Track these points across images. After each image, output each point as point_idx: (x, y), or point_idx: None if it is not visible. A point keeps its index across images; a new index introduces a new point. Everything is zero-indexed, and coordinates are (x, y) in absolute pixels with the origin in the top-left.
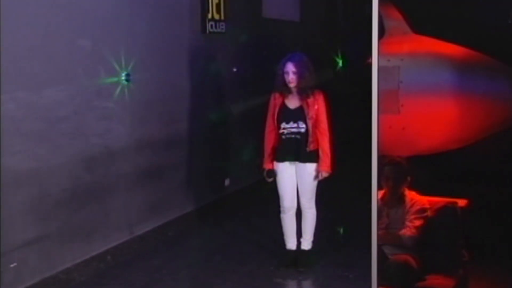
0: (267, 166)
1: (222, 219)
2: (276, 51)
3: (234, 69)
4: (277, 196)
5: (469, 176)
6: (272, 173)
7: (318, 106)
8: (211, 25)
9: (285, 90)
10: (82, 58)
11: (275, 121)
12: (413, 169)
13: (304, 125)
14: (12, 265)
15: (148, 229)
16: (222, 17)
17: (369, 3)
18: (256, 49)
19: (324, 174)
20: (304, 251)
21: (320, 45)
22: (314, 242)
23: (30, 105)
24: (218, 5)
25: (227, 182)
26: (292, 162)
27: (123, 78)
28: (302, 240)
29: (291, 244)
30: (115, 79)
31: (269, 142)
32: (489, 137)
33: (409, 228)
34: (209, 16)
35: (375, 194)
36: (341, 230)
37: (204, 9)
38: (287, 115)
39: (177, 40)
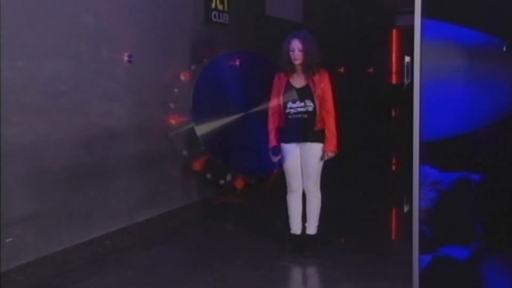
0: (272, 143)
1: (225, 211)
2: (277, 48)
3: (237, 63)
4: (281, 188)
5: (480, 159)
6: (278, 151)
7: (324, 85)
8: (214, 15)
9: (289, 69)
10: (85, 34)
11: (281, 101)
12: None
13: (311, 104)
14: (7, 240)
15: (148, 217)
16: (226, 8)
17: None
18: (258, 44)
19: (330, 154)
20: (309, 235)
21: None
22: (319, 226)
23: (29, 76)
24: None
25: (228, 177)
26: (298, 143)
27: (125, 59)
28: (307, 224)
29: (295, 227)
30: (117, 60)
31: (273, 122)
32: (501, 121)
33: (423, 200)
34: (213, 5)
35: (417, 174)
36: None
37: None
38: (293, 94)
39: (180, 28)
